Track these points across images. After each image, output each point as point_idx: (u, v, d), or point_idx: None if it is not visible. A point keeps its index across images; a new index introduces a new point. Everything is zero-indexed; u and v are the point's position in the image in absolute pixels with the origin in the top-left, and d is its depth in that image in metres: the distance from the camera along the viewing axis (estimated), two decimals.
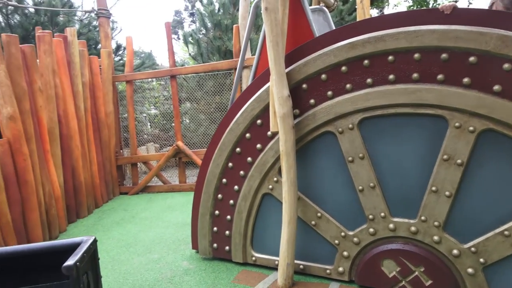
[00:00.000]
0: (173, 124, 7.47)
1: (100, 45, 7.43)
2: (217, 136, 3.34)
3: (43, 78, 4.73)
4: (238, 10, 8.28)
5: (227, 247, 3.42)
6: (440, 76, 2.40)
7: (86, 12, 7.52)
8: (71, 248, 1.51)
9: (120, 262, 3.69)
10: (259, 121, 3.09)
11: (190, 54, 8.48)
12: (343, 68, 2.69)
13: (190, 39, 8.53)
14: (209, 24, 8.40)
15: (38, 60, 4.72)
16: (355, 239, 2.83)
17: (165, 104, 9.21)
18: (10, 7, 7.09)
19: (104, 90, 6.39)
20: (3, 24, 7.38)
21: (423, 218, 2.57)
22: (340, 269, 2.93)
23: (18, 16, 7.84)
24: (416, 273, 2.62)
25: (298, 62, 2.84)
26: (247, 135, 3.16)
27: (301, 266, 3.09)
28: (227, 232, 3.39)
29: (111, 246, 4.14)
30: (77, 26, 8.36)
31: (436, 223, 2.53)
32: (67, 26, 7.79)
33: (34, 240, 4.18)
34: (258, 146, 3.12)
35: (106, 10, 6.68)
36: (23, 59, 4.35)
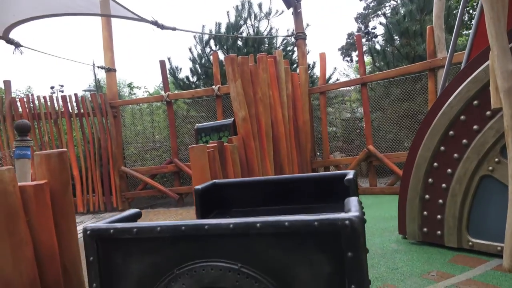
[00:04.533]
0: (359, 131, 7.79)
1: (295, 64, 8.51)
2: (427, 121, 3.48)
3: (262, 90, 5.83)
4: (426, 15, 8.14)
5: (438, 232, 3.46)
6: None
7: (286, 36, 8.85)
8: (337, 178, 2.00)
9: None
10: (475, 102, 3.10)
11: (376, 66, 8.73)
12: None
13: (374, 52, 8.81)
14: (394, 34, 8.51)
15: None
16: None
17: (347, 121, 9.70)
18: (229, 42, 9.01)
19: (302, 101, 7.30)
20: (223, 55, 9.42)
21: None
22: None
23: (232, 50, 9.80)
24: None
25: None
26: (462, 117, 3.20)
27: None
28: (438, 216, 3.44)
29: None
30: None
31: None
32: (270, 53, 9.27)
33: None
34: (475, 127, 3.12)
35: (303, 32, 7.69)
36: (250, 75, 5.52)
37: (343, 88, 10.71)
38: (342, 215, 0.96)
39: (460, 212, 3.28)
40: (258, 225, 1.00)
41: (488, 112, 3.02)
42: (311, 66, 9.94)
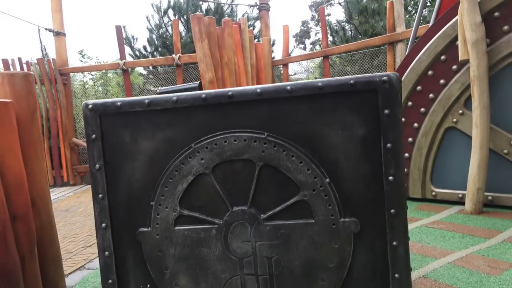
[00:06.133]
0: None
1: (256, 39, 8.43)
2: None
3: (227, 54, 5.70)
4: None
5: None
6: None
7: (250, 6, 8.75)
8: None
9: None
10: (443, 57, 3.24)
11: (335, 43, 8.91)
12: None
13: (335, 27, 8.97)
14: (353, 12, 8.72)
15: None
16: None
17: None
18: (189, 12, 8.70)
19: (265, 72, 7.26)
20: (183, 26, 9.09)
21: None
22: None
23: None
24: None
25: None
26: (430, 72, 3.33)
27: (489, 197, 3.09)
28: (405, 170, 3.59)
29: None
30: None
31: None
32: None
33: None
34: (441, 81, 3.27)
35: (267, 3, 7.62)
36: (216, 37, 5.36)
37: (296, 76, 11.02)
38: (379, 73, 0.93)
39: (425, 164, 3.45)
40: (288, 88, 0.94)
41: (454, 66, 3.17)
42: (271, 43, 9.93)
